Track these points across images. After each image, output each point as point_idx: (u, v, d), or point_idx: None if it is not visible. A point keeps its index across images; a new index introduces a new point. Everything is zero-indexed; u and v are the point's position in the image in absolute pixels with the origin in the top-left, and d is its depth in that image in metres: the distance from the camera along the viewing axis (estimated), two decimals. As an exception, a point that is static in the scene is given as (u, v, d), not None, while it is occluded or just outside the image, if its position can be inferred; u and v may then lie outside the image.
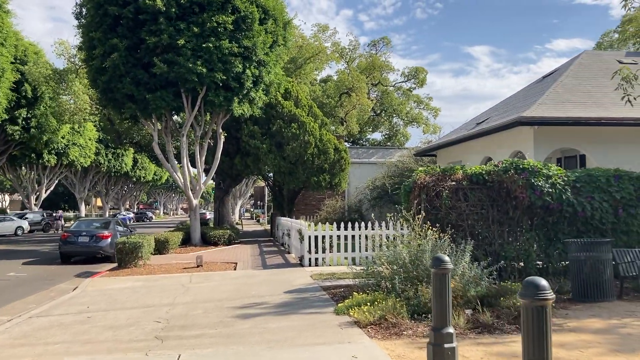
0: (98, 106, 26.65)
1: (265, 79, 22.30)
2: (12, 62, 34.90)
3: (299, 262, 15.75)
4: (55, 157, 50.55)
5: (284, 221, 22.33)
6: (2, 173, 58.16)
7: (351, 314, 7.88)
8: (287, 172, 25.34)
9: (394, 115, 51.17)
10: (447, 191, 10.51)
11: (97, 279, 13.75)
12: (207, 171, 25.69)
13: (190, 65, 19.98)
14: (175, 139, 25.74)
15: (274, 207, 30.12)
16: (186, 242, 23.89)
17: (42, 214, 50.09)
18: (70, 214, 76.30)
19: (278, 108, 25.66)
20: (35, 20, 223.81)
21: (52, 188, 59.34)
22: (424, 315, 7.56)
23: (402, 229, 13.77)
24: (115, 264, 16.50)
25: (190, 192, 23.70)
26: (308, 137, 25.00)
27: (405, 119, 51.02)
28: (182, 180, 23.40)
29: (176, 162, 24.06)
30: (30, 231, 43.67)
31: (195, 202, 23.88)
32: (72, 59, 28.36)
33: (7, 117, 37.61)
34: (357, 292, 9.16)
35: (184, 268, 15.35)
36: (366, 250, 14.53)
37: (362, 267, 10.16)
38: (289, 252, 19.20)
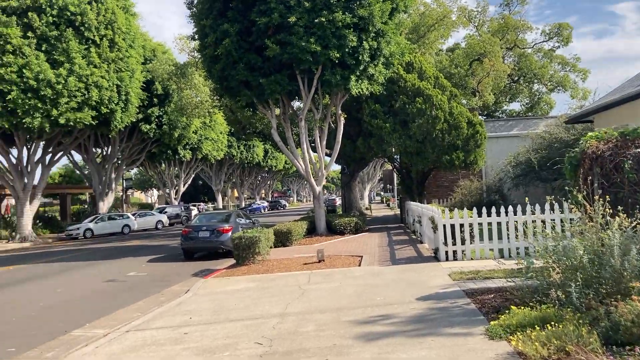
0: (216, 97, 26.22)
1: (385, 51, 20.19)
2: (142, 63, 36.18)
3: (433, 254, 13.59)
4: (190, 152, 52.46)
5: (414, 206, 20.17)
6: (145, 170, 62.04)
7: (512, 341, 5.66)
8: (414, 152, 23.10)
9: (535, 81, 45.57)
10: (630, 161, 7.79)
11: (210, 279, 12.70)
12: (329, 156, 24.24)
13: (304, 43, 18.50)
14: (294, 124, 24.56)
15: (402, 191, 28.01)
16: (311, 231, 22.65)
17: (181, 207, 52.34)
18: (210, 205, 79.95)
19: (400, 83, 23.42)
20: (176, 27, 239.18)
21: (189, 182, 61.98)
22: (622, 345, 5.15)
23: (561, 211, 11.10)
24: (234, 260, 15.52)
25: (312, 178, 22.37)
26: (436, 112, 22.51)
27: (549, 84, 45.27)
28: (304, 167, 22.12)
29: (296, 149, 22.84)
30: (171, 224, 45.58)
31: (318, 189, 22.51)
32: (192, 53, 28.32)
33: (141, 117, 39.16)
34: (515, 302, 6.90)
35: (304, 264, 13.87)
36: (516, 240, 12.00)
37: (514, 262, 7.83)
38: (421, 242, 17.06)
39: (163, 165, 57.63)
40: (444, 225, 12.49)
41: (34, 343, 7.77)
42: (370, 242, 18.68)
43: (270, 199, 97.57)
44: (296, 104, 26.62)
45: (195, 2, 21.22)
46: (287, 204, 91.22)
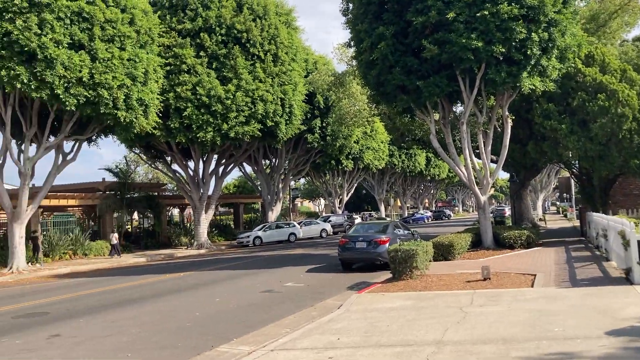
0: (373, 104, 25.72)
1: (559, 42, 18.02)
2: (304, 76, 37.15)
3: (624, 276, 11.45)
4: (352, 162, 52.89)
5: (597, 218, 17.60)
6: (311, 180, 64.02)
7: None
8: (596, 156, 20.33)
9: None
10: None
11: (364, 294, 11.96)
12: (495, 163, 22.36)
13: (464, 41, 17.20)
14: (455, 129, 23.11)
15: (582, 200, 24.96)
16: (476, 244, 20.99)
17: (344, 216, 52.86)
18: (374, 214, 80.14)
19: (578, 77, 20.83)
20: (341, 40, 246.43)
21: (352, 191, 62.55)
22: None
23: None
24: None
25: (476, 187, 20.74)
26: (622, 109, 19.59)
27: None
28: (466, 175, 20.59)
29: (458, 155, 21.37)
30: (335, 233, 46.11)
31: (483, 198, 20.80)
32: (350, 62, 28.22)
33: (305, 129, 40.20)
34: None
35: (467, 281, 12.55)
36: None
37: None
38: (607, 260, 14.69)
39: (327, 175, 58.92)
40: (639, 242, 10.40)
41: (176, 356, 7.64)
42: (544, 258, 16.63)
43: (434, 209, 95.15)
44: (459, 108, 25.11)
45: (350, 8, 20.95)
46: (451, 214, 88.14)
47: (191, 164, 36.84)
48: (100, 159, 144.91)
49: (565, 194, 79.32)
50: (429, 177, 79.57)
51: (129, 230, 40.40)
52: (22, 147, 24.02)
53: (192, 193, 35.84)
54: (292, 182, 65.84)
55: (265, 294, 13.39)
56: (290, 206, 60.04)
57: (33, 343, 8.81)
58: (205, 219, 36.33)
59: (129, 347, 8.28)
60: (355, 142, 50.33)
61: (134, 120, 24.01)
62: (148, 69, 24.60)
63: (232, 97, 30.67)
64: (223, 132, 30.76)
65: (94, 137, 27.97)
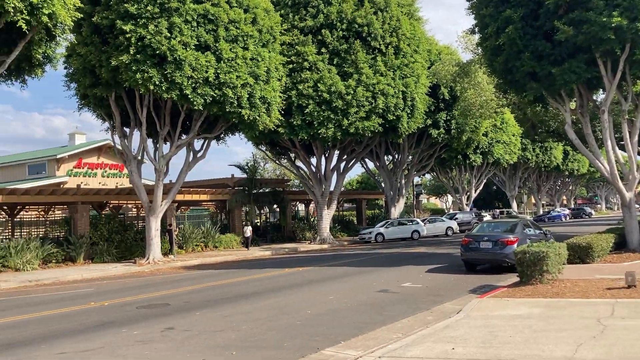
0: (501, 94, 24.07)
1: None
2: (428, 68, 35.96)
3: None
4: (480, 157, 50.50)
5: None
6: (436, 176, 62.21)
7: None
8: None
9: None
10: None
11: (487, 299, 11.00)
12: (643, 155, 19.93)
13: (604, 19, 15.40)
14: (594, 118, 20.91)
15: None
16: (620, 246, 18.82)
17: (472, 214, 50.61)
18: (505, 212, 76.13)
19: None
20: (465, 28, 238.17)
21: (480, 187, 59.85)
22: None
23: None
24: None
25: (620, 183, 18.57)
26: None
27: None
28: (608, 169, 18.50)
29: (598, 148, 19.27)
30: (461, 231, 44.29)
31: (628, 195, 18.57)
32: (475, 50, 26.70)
33: (429, 122, 38.95)
34: None
35: (608, 289, 11.09)
36: None
37: None
38: None
39: (454, 170, 56.88)
40: None
41: (279, 358, 7.39)
42: None
43: (572, 206, 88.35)
44: (599, 96, 22.72)
45: (475, -8, 19.70)
46: (592, 212, 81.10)
47: (313, 160, 37.23)
48: (232, 156, 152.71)
49: None
50: (566, 172, 73.91)
51: (258, 224, 41.86)
52: (157, 145, 25.61)
53: (314, 189, 36.22)
54: (417, 178, 64.53)
55: (380, 294, 12.88)
56: (414, 203, 58.73)
57: (148, 335, 9.08)
58: (328, 214, 36.54)
59: (235, 344, 8.21)
60: (483, 135, 47.93)
61: (257, 118, 24.59)
62: (270, 67, 25.09)
63: (352, 92, 30.44)
64: (344, 127, 30.64)
65: (222, 135, 29.24)
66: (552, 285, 11.91)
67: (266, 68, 24.70)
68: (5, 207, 27.92)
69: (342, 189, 59.68)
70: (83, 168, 44.15)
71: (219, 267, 22.57)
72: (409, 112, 33.24)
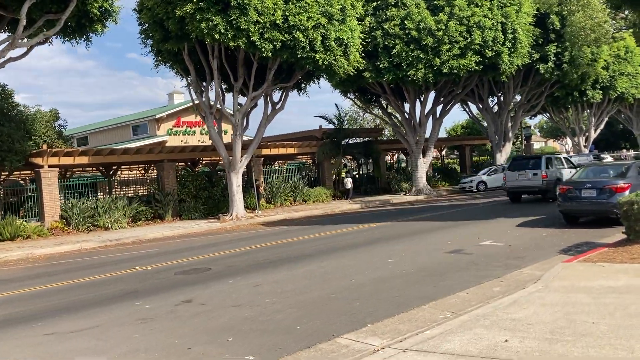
0: (614, 12, 20.11)
1: None
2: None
3: None
4: (600, 92, 44.89)
5: None
6: (550, 117, 56.73)
7: None
8: None
9: None
10: None
11: (576, 264, 8.72)
12: None
13: None
14: None
15: None
16: None
17: (590, 156, 45.53)
18: (632, 153, 68.58)
19: None
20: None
21: (601, 127, 53.72)
22: None
23: None
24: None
25: None
26: None
27: None
28: None
29: None
30: (576, 176, 40.02)
31: None
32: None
33: (537, 57, 34.76)
34: None
35: None
36: None
37: None
38: None
39: (569, 109, 51.41)
40: None
41: (279, 349, 5.92)
42: None
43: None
44: None
45: None
46: None
47: (406, 106, 34.76)
48: (327, 107, 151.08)
49: None
50: None
51: (356, 176, 40.53)
52: (233, 98, 24.71)
53: (408, 137, 33.96)
54: (529, 120, 59.28)
55: (449, 256, 10.95)
56: (523, 147, 54.22)
57: (157, 310, 8.01)
58: (424, 163, 34.23)
59: (241, 327, 6.86)
60: (603, 69, 42.30)
61: (333, 62, 22.77)
62: (345, 4, 22.99)
63: (444, 27, 27.53)
64: (435, 68, 27.92)
65: (302, 85, 27.79)
66: (669, 244, 9.33)
67: (340, 6, 22.64)
68: (101, 168, 28.71)
69: (445, 135, 56.61)
70: (182, 126, 44.95)
71: (298, 222, 21.53)
72: (510, 46, 29.56)
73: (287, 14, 20.91)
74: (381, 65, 28.27)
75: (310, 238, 15.63)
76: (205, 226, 22.18)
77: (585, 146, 52.67)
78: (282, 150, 32.55)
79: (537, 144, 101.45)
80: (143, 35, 23.81)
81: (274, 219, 23.91)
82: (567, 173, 22.46)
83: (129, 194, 27.98)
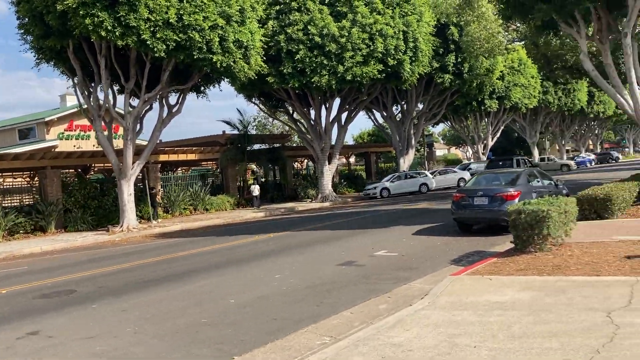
0: (506, 23, 20.74)
1: None
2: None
3: None
4: (496, 102, 46.98)
5: None
6: (451, 125, 58.74)
7: None
8: None
9: None
10: None
11: (464, 277, 8.41)
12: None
13: None
14: (618, 50, 17.69)
15: None
16: (647, 196, 15.99)
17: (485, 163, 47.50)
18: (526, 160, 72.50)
19: None
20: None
21: (497, 135, 56.31)
22: None
23: None
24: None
25: (646, 120, 15.56)
26: None
27: None
28: (631, 105, 15.46)
29: (619, 81, 16.17)
30: (475, 182, 41.44)
31: (657, 135, 15.59)
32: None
33: (437, 66, 35.55)
34: None
35: (627, 257, 8.41)
36: None
37: None
38: None
39: (469, 118, 53.49)
40: None
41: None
42: None
43: (599, 151, 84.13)
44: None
45: None
46: (619, 157, 77.01)
47: (312, 112, 34.40)
48: (233, 113, 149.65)
49: None
50: (591, 115, 69.57)
51: (262, 182, 39.61)
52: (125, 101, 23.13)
53: (313, 143, 33.60)
54: (432, 128, 61.13)
55: (341, 269, 10.40)
56: (425, 154, 55.70)
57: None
58: (329, 170, 33.99)
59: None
60: (499, 79, 44.27)
61: (232, 64, 21.87)
62: (244, 6, 22.17)
63: (347, 34, 27.44)
64: (339, 75, 27.75)
65: (202, 88, 26.61)
66: (554, 253, 9.26)
67: (239, 7, 21.79)
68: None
69: (352, 142, 56.99)
70: (75, 130, 41.96)
71: (194, 233, 20.36)
72: (411, 55, 30.01)
73: (181, 12, 19.82)
74: (285, 71, 27.72)
75: (201, 251, 14.61)
76: (91, 239, 20.46)
77: (483, 153, 54.92)
78: (182, 156, 31.10)
79: (440, 151, 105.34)
80: (22, 31, 21.70)
81: (169, 229, 22.56)
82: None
83: (14, 204, 25.44)
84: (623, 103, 15.64)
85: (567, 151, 78.58)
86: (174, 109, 24.66)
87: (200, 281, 10.19)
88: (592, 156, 70.51)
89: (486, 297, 7.08)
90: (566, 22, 15.64)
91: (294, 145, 47.62)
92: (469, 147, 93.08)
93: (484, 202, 13.29)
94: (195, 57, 20.59)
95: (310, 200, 34.04)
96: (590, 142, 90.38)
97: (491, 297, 7.05)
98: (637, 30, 16.10)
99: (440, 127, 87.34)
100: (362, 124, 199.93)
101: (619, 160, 71.93)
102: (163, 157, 29.66)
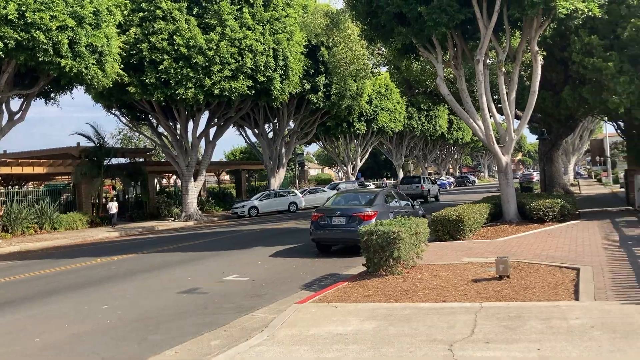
0: (370, 47, 21.05)
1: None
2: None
3: None
4: (364, 125, 48.39)
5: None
6: (322, 146, 59.57)
7: None
8: (654, 103, 15.60)
9: None
10: None
11: (309, 305, 7.77)
12: (519, 120, 17.79)
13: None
14: (472, 77, 18.54)
15: (630, 160, 20.25)
16: (496, 217, 16.75)
17: (355, 183, 48.56)
18: (392, 181, 75.69)
19: (631, 0, 15.96)
20: None
21: (366, 156, 58.06)
22: None
23: None
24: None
25: (496, 145, 16.27)
26: (694, 39, 14.74)
27: None
28: (483, 129, 16.11)
29: (473, 106, 16.82)
30: (344, 202, 41.96)
31: (504, 159, 16.36)
32: (347, -2, 23.44)
33: (309, 87, 35.63)
34: None
35: (474, 281, 8.30)
36: None
37: None
38: (683, 243, 10.31)
39: (340, 139, 54.56)
40: None
41: None
42: (587, 237, 12.25)
43: (457, 174, 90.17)
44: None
45: None
46: (476, 180, 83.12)
47: (178, 126, 32.78)
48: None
49: (598, 157, 73.76)
50: (451, 141, 74.29)
51: (120, 199, 36.92)
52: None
53: (178, 159, 31.97)
54: (307, 148, 61.51)
55: (180, 297, 9.35)
56: (296, 173, 55.85)
57: None
58: (195, 187, 32.49)
59: None
60: (367, 103, 45.66)
61: (84, 70, 19.99)
62: (100, 8, 20.45)
63: (215, 47, 26.42)
64: (206, 88, 26.60)
65: (52, 95, 24.19)
66: (405, 277, 8.97)
67: (94, 9, 20.05)
68: None
69: (224, 159, 55.49)
70: None
71: (32, 255, 18.04)
72: (282, 72, 29.70)
73: (23, 9, 17.78)
74: (147, 81, 26.09)
75: (29, 277, 12.71)
76: None
77: (352, 174, 56.23)
78: (28, 169, 28.03)
79: (314, 170, 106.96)
80: None
81: (8, 251, 19.93)
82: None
83: None
84: (475, 128, 16.27)
85: (430, 174, 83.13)
86: (16, 116, 22.06)
87: (6, 316, 8.60)
88: (452, 179, 75.32)
89: (329, 328, 6.47)
90: (424, 46, 16.03)
91: (162, 160, 45.30)
92: (340, 168, 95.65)
93: (342, 222, 12.94)
94: (40, 59, 18.58)
95: (173, 219, 32.28)
96: (450, 166, 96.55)
97: (334, 328, 6.45)
98: (488, 58, 16.90)
99: (315, 148, 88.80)
100: (235, 140, 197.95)
101: (475, 184, 77.58)
102: (4, 170, 26.48)
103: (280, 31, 29.24)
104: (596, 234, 12.61)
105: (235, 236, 20.25)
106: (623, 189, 26.46)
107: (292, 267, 11.81)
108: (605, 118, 20.04)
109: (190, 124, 32.75)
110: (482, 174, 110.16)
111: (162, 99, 27.17)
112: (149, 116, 33.13)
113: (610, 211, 18.93)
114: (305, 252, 14.02)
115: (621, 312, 5.94)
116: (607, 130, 51.50)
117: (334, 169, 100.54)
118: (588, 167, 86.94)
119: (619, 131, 19.45)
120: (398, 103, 51.67)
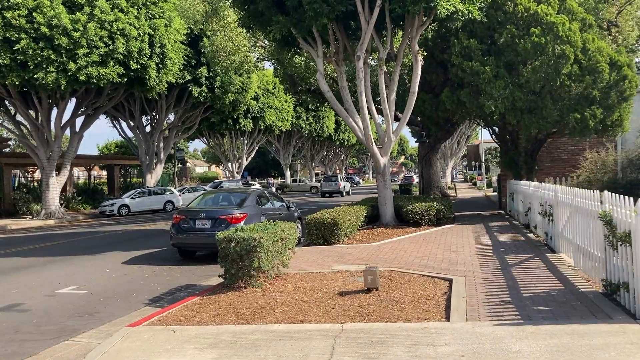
0: (248, 33, 19.80)
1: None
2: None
3: (604, 291, 6.74)
4: (251, 122, 47.11)
5: (533, 190, 13.06)
6: (206, 142, 57.35)
7: None
8: (525, 109, 15.86)
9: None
10: None
11: (143, 328, 6.44)
12: (398, 121, 17.48)
13: None
14: (354, 78, 17.95)
15: (503, 166, 20.76)
16: (373, 220, 16.26)
17: (239, 182, 47.09)
18: (278, 180, 74.95)
19: (507, 7, 16.13)
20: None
21: (252, 155, 56.75)
22: None
23: None
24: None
25: (374, 146, 15.74)
26: (562, 47, 15.10)
27: None
28: (361, 129, 15.52)
29: (352, 104, 16.19)
30: (226, 201, 40.28)
31: (382, 160, 15.88)
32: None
33: (190, 78, 33.69)
34: None
35: (340, 294, 7.40)
36: None
37: None
38: (553, 251, 10.17)
39: (225, 136, 52.76)
40: (642, 235, 5.60)
41: None
42: (461, 242, 11.92)
43: (344, 175, 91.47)
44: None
45: None
46: (360, 182, 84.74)
47: (39, 114, 29.49)
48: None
49: (474, 162, 77.97)
50: (338, 142, 74.95)
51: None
52: None
53: (38, 151, 28.74)
54: (190, 144, 58.89)
55: (-7, 317, 7.62)
56: (176, 170, 53.29)
57: None
58: (57, 182, 29.40)
59: None
60: (253, 99, 44.44)
61: None
62: None
63: (82, 29, 23.84)
64: (70, 73, 23.92)
65: None
66: (265, 289, 7.89)
67: None
68: None
69: (98, 153, 51.64)
70: None
71: None
72: (158, 61, 27.62)
73: None
74: (1, 62, 22.99)
75: None
76: None
77: (238, 172, 54.68)
78: None
79: (201, 168, 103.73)
80: None
81: None
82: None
83: None
84: (355, 127, 15.63)
85: (317, 174, 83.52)
86: None
87: None
88: (337, 180, 75.97)
89: (163, 357, 5.21)
90: (305, 39, 15.13)
91: (21, 151, 40.94)
92: (229, 165, 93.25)
93: (207, 225, 11.61)
94: None
95: (32, 217, 29.02)
96: (337, 167, 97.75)
97: (169, 357, 5.20)
98: (370, 58, 16.39)
99: (202, 145, 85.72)
100: (111, 134, 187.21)
101: (360, 185, 78.99)
102: None
103: (158, 16, 27.18)
104: (470, 239, 12.35)
105: (92, 238, 18.14)
106: (496, 193, 27.50)
107: (145, 277, 10.32)
108: (482, 123, 20.34)
109: (54, 113, 29.64)
110: (367, 175, 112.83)
111: (17, 82, 24.14)
112: (5, 102, 29.57)
113: (484, 215, 19.24)
114: (166, 258, 12.52)
115: (493, 336, 5.25)
116: (483, 137, 54.46)
117: (221, 167, 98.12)
118: (465, 171, 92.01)
119: (494, 136, 19.82)
120: (286, 102, 50.95)
